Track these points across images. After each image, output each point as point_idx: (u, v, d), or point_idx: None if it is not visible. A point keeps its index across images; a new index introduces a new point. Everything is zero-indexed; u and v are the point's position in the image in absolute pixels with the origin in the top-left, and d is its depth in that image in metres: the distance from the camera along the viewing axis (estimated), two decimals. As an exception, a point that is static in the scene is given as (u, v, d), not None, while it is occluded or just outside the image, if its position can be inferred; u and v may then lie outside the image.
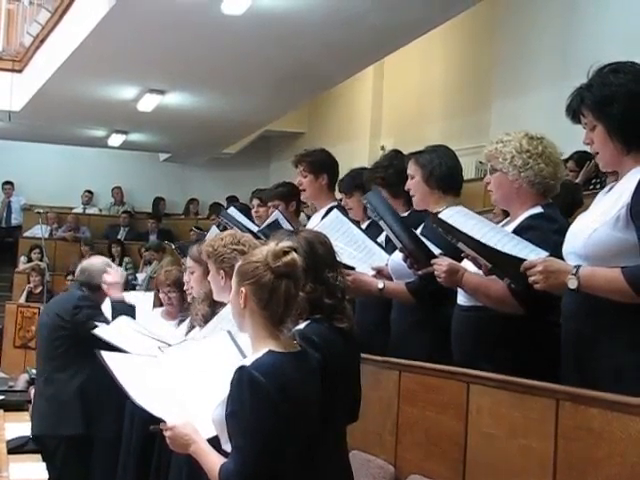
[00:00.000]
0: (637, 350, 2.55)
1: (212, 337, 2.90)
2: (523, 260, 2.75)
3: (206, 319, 3.70)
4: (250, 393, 2.25)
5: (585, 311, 2.65)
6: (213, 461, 2.37)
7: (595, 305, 2.61)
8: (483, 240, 2.87)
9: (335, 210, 4.22)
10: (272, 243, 2.42)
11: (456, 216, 2.98)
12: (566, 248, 2.73)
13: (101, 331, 4.28)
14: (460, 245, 3.00)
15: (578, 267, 2.60)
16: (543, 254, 2.77)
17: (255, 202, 5.68)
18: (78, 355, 4.80)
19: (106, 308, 5.03)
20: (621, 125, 2.63)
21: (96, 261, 5.09)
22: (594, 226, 2.61)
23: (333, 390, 2.61)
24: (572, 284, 2.60)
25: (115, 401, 4.57)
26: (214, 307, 3.68)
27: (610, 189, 2.72)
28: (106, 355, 2.87)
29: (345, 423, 2.82)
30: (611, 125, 2.65)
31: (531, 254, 2.78)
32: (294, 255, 2.37)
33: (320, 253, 2.70)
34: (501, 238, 2.89)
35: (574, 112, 2.72)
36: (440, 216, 3.02)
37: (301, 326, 2.64)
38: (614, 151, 2.67)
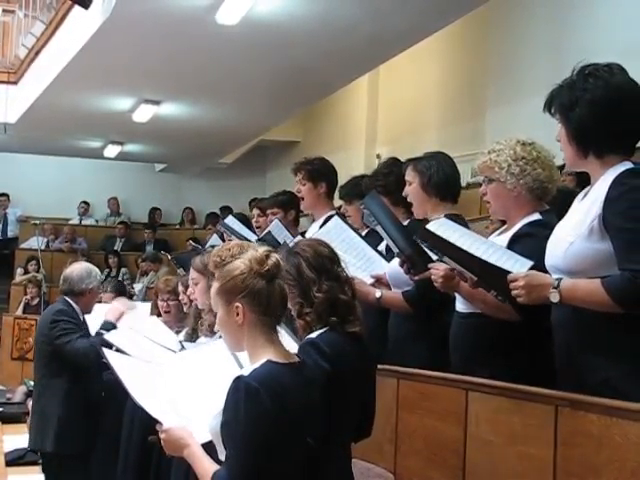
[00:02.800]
0: (622, 361, 2.56)
1: (215, 344, 2.89)
2: (508, 272, 2.74)
3: (212, 330, 3.70)
4: (245, 402, 2.23)
5: (573, 322, 2.66)
6: (206, 467, 2.36)
7: (581, 316, 2.61)
8: (470, 250, 2.86)
9: (335, 217, 4.22)
10: (249, 253, 2.41)
11: (441, 229, 2.96)
12: (547, 261, 2.74)
13: (110, 336, 4.29)
14: (445, 260, 2.99)
15: (559, 280, 2.60)
16: (528, 264, 2.75)
17: (255, 212, 5.69)
18: (60, 370, 4.80)
19: (95, 315, 5.04)
20: (578, 130, 2.65)
21: (76, 267, 5.11)
22: (570, 239, 2.62)
23: (341, 402, 2.60)
24: (554, 297, 2.61)
25: (110, 414, 4.59)
26: None
27: (585, 195, 2.73)
28: (109, 354, 2.87)
29: (353, 437, 2.80)
30: (570, 128, 2.67)
31: (516, 264, 2.76)
32: (276, 256, 2.42)
33: (325, 253, 2.75)
34: (486, 249, 2.86)
35: (549, 109, 2.75)
36: (427, 227, 3.02)
37: (313, 335, 2.64)
38: (573, 153, 2.70)
